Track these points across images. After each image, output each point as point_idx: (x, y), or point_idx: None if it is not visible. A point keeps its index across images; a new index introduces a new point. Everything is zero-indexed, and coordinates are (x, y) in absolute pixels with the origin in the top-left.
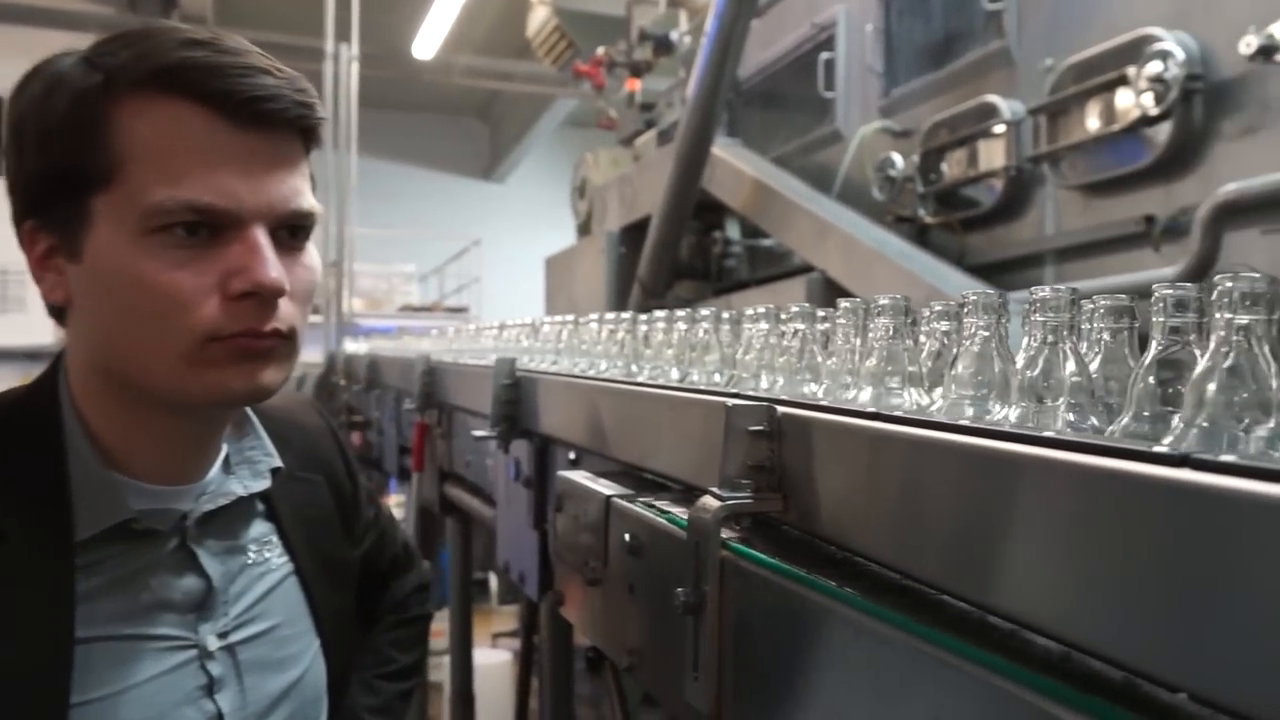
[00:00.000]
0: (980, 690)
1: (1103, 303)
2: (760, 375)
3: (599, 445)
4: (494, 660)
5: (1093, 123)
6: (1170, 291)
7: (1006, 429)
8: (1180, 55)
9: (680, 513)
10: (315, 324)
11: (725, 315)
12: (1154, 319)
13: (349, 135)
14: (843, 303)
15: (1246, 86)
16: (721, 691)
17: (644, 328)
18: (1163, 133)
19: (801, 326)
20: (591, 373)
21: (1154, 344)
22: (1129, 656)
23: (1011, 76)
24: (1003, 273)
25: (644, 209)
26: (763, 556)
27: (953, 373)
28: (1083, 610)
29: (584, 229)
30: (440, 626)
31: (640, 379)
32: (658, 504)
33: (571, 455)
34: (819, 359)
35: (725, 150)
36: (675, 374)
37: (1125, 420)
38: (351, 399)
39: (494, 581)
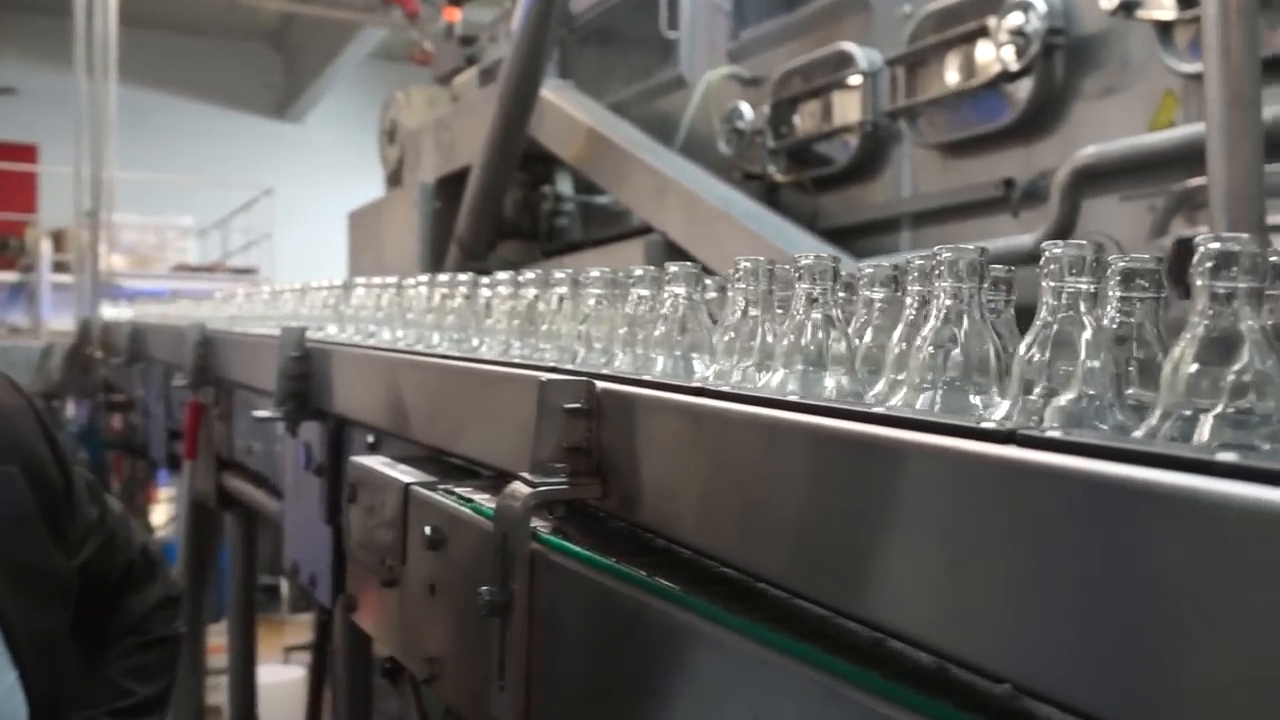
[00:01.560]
0: (800, 686)
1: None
2: (634, 348)
3: (400, 427)
4: (284, 678)
5: (952, 76)
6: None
7: (830, 404)
8: (1042, 7)
9: (488, 502)
10: (64, 284)
11: (587, 278)
12: (937, 286)
13: (106, 58)
14: (743, 262)
15: (1107, 43)
16: (530, 702)
17: (486, 292)
18: (1023, 90)
19: (680, 291)
20: (404, 344)
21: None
22: (948, 644)
23: (868, 22)
24: (857, 237)
25: (463, 158)
26: (577, 549)
27: (783, 345)
28: (902, 596)
29: (394, 179)
30: (220, 642)
31: (455, 353)
32: (462, 492)
33: (370, 439)
34: (710, 332)
35: (556, 94)
36: (519, 349)
37: (937, 394)
38: (110, 374)
39: (285, 587)
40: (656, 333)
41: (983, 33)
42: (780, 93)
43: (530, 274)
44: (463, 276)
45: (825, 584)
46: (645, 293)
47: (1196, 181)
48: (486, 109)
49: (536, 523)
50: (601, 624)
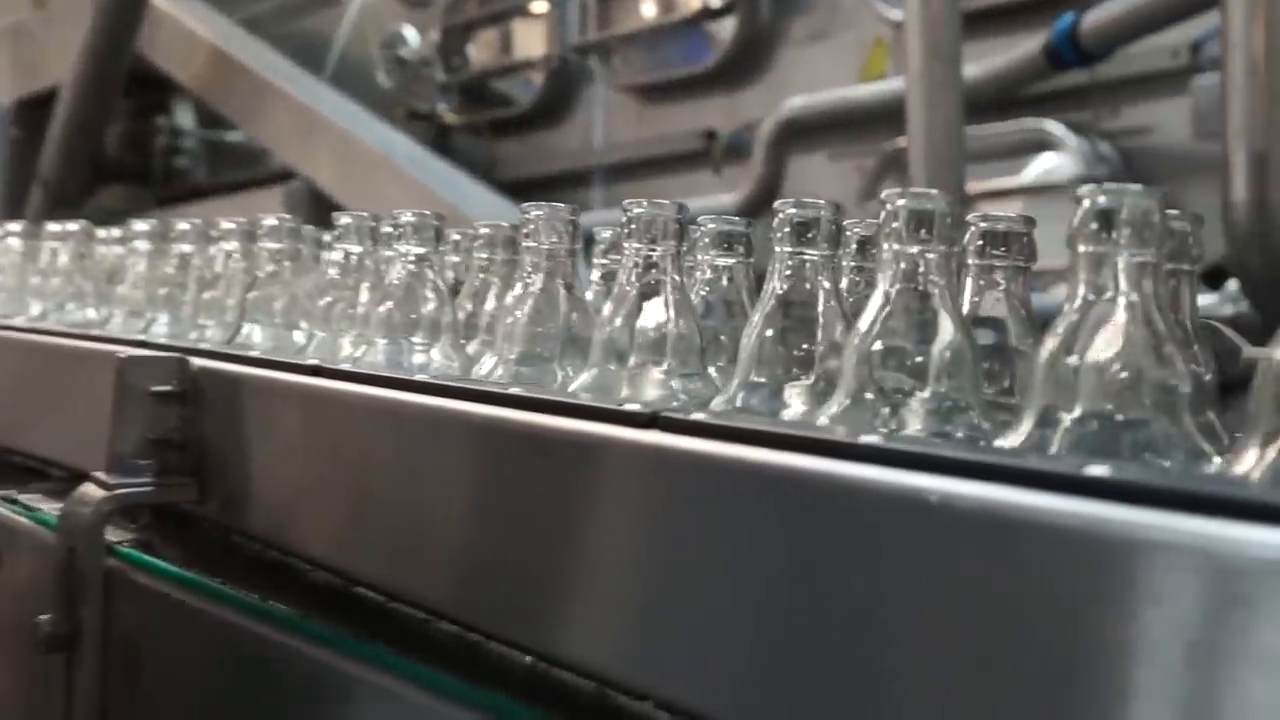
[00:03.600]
0: (430, 717)
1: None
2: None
3: None
4: None
5: (649, 10)
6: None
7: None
8: None
9: (54, 509)
10: None
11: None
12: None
13: None
14: (343, 218)
15: None
16: None
17: (116, 249)
18: (726, 30)
19: (354, 249)
20: None
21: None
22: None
23: None
24: (542, 190)
25: (50, 76)
26: (165, 564)
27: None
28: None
29: None
30: None
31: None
32: (26, 499)
33: None
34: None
35: (172, 2)
36: (164, 323)
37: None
38: None
39: None
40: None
41: None
42: (452, 17)
43: (144, 225)
44: (73, 226)
45: (470, 602)
46: (278, 246)
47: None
48: (81, 16)
49: (114, 533)
50: (197, 656)
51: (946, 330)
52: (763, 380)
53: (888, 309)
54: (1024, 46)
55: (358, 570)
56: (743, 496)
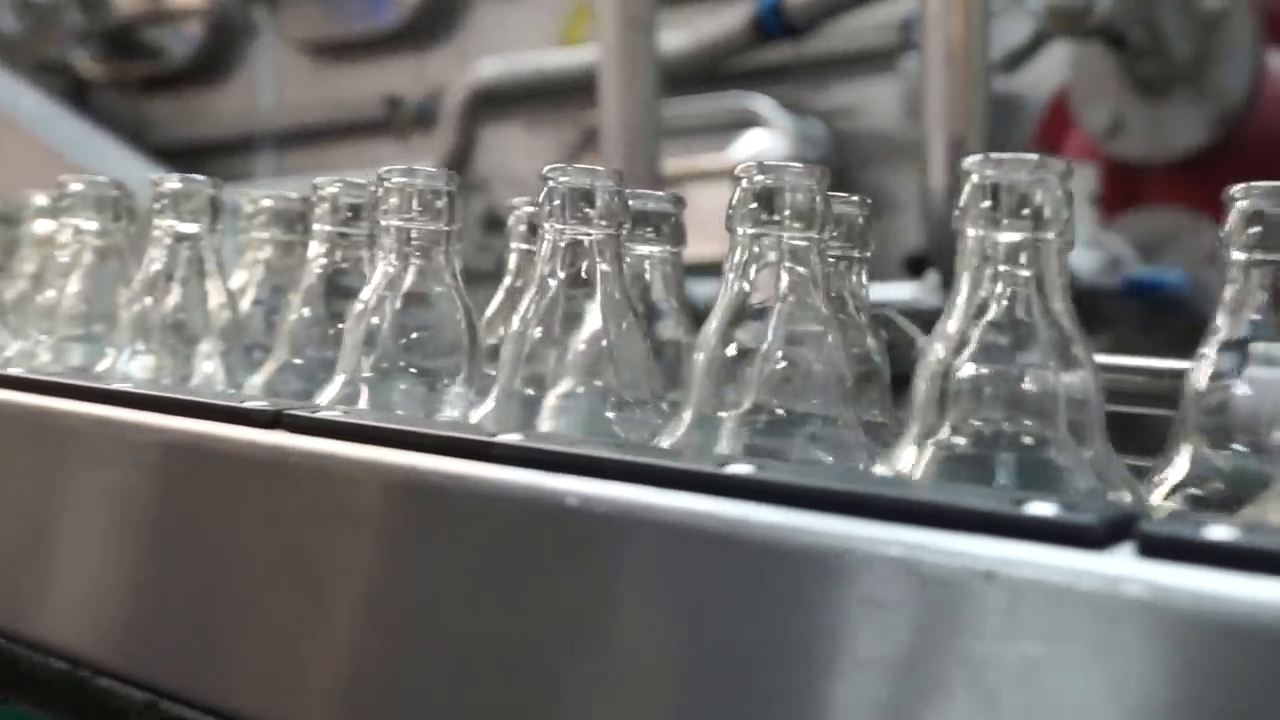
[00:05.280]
0: None
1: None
2: None
3: None
4: None
5: None
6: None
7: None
8: None
9: None
10: None
11: None
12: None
13: None
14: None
15: None
16: None
17: None
18: None
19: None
20: None
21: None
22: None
23: None
24: (201, 157)
25: None
26: None
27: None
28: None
29: None
30: None
31: None
32: None
33: None
34: None
35: None
36: None
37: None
38: None
39: None
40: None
41: None
42: None
43: None
44: None
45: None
46: None
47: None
48: None
49: None
50: None
51: (600, 320)
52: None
53: (545, 297)
54: (730, 17)
55: None
56: (372, 501)
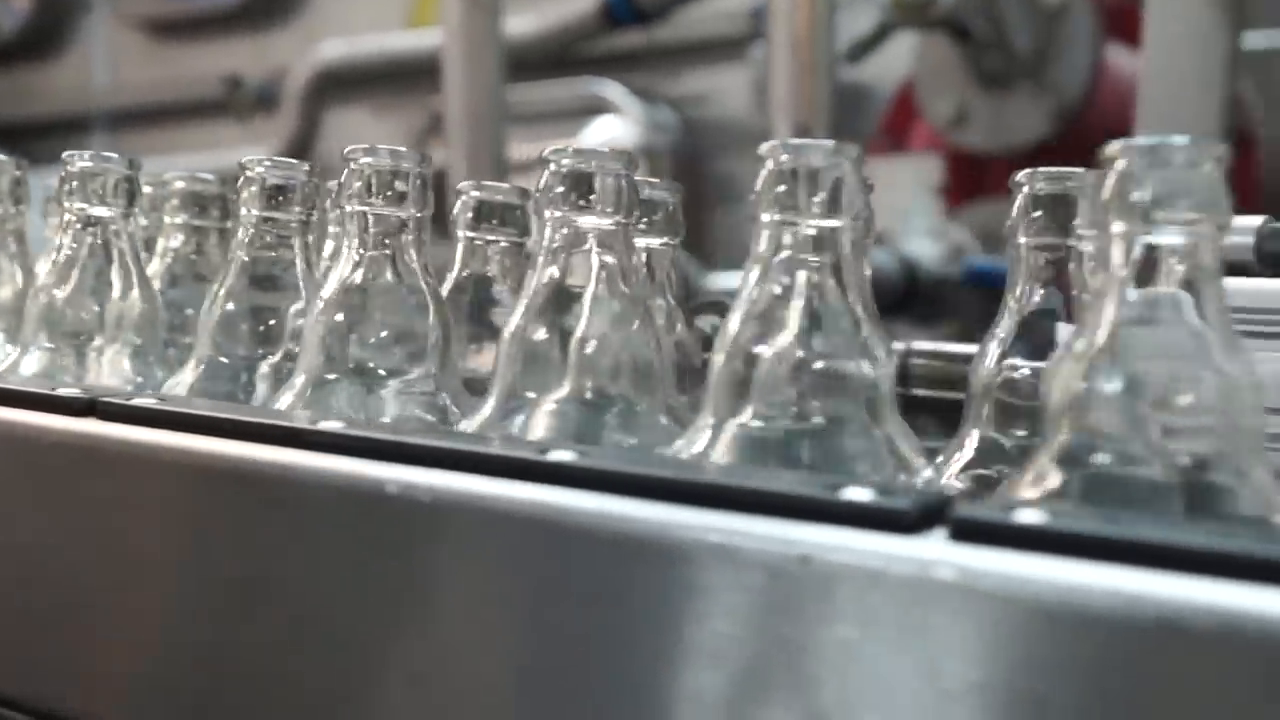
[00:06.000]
0: None
1: None
2: None
3: None
4: None
5: None
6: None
7: None
8: None
9: None
10: None
11: None
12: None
13: None
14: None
15: None
16: None
17: None
18: None
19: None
20: None
21: None
22: None
23: None
24: (29, 138)
25: None
26: None
27: None
28: None
29: None
30: None
31: None
32: None
33: None
34: None
35: None
36: None
37: None
38: None
39: None
40: None
41: None
42: None
43: None
44: None
45: None
46: None
47: None
48: None
49: None
50: None
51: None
52: (225, 360)
53: (350, 278)
54: (580, 2)
55: None
56: (188, 489)
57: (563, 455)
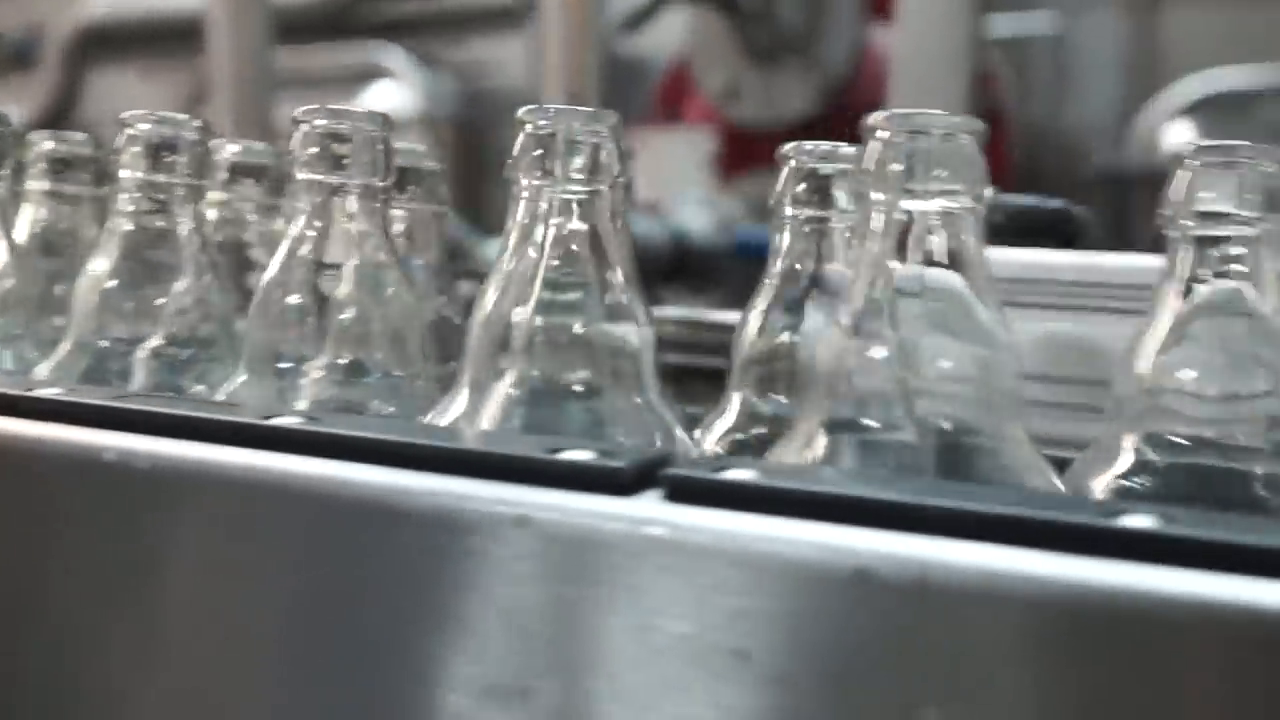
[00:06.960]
0: None
1: None
2: None
3: None
4: None
5: None
6: None
7: None
8: None
9: None
10: None
11: None
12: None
13: None
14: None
15: None
16: None
17: None
18: None
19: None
20: None
21: None
22: None
23: None
24: None
25: None
26: None
27: None
28: None
29: None
30: None
31: None
32: None
33: None
34: None
35: None
36: None
37: None
38: None
39: None
40: None
41: None
42: None
43: None
44: None
45: None
46: None
47: None
48: None
49: None
50: None
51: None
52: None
53: (121, 245)
54: None
55: None
56: None
57: (286, 421)
